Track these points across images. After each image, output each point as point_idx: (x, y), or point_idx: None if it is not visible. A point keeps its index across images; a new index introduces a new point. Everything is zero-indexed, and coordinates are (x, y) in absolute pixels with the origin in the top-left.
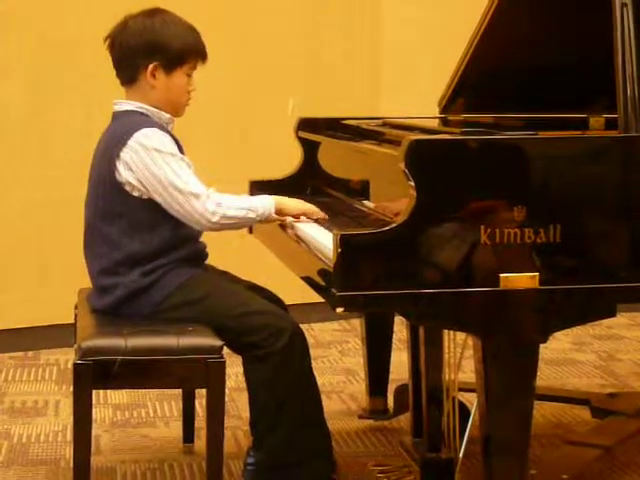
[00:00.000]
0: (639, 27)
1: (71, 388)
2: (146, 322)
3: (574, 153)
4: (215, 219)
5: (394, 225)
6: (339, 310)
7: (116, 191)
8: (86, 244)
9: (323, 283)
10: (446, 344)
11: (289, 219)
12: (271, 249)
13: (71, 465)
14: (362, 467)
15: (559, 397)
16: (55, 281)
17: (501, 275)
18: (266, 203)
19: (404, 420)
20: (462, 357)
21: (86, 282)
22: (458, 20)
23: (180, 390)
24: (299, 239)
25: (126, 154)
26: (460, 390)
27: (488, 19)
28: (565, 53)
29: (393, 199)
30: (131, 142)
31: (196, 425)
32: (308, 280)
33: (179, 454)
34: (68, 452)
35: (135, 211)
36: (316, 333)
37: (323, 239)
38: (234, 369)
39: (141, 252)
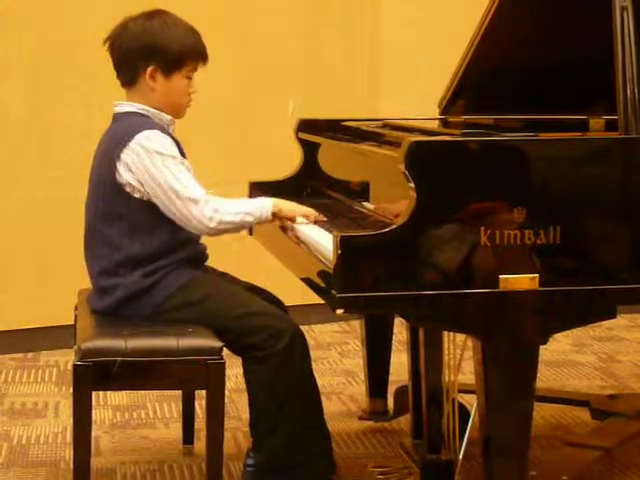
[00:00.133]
0: (639, 30)
1: (71, 389)
2: (146, 323)
3: (574, 155)
4: (212, 225)
5: (394, 227)
6: (339, 312)
7: (117, 192)
8: (86, 245)
9: (323, 284)
10: (446, 345)
11: (288, 222)
12: (271, 251)
13: (71, 466)
14: (362, 468)
15: (559, 398)
16: (55, 282)
17: (501, 276)
18: (264, 205)
19: (404, 421)
20: (462, 358)
21: (86, 283)
22: (458, 20)
23: (180, 391)
24: (299, 240)
25: (127, 155)
26: (460, 392)
27: (488, 20)
28: (565, 54)
29: (393, 200)
30: (132, 144)
31: (196, 426)
32: (308, 281)
33: (179, 455)
34: (68, 453)
35: (135, 212)
36: (316, 334)
37: (323, 240)
38: (234, 370)
39: (141, 253)
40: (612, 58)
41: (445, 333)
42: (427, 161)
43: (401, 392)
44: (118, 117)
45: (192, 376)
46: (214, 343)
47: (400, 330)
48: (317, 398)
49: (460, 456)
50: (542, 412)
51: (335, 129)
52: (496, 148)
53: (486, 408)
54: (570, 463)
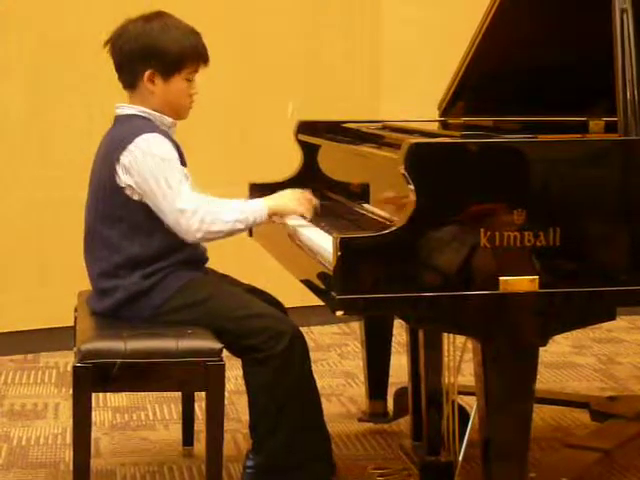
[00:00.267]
0: (639, 32)
1: (71, 391)
2: (146, 325)
3: (574, 156)
4: (199, 235)
5: (394, 228)
6: (339, 313)
7: (116, 195)
8: (86, 247)
9: (323, 286)
10: (446, 347)
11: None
12: (271, 252)
13: (71, 468)
14: (362, 470)
15: (559, 400)
16: (55, 283)
17: (501, 278)
18: (258, 210)
19: (404, 423)
20: (462, 360)
21: (86, 284)
22: (458, 20)
23: (180, 393)
24: (299, 242)
25: (125, 158)
26: (460, 393)
27: (488, 22)
28: (565, 56)
29: (394, 200)
30: (131, 146)
31: (195, 428)
32: (308, 283)
33: (178, 457)
34: (68, 455)
35: (135, 214)
36: (316, 336)
37: (323, 242)
38: (234, 372)
39: (141, 255)
40: (612, 60)
41: (445, 335)
42: (427, 163)
43: (401, 394)
44: (119, 119)
45: (192, 378)
46: (214, 345)
47: (400, 332)
48: (317, 400)
49: (460, 458)
50: (542, 414)
51: (335, 131)
52: (496, 150)
53: (486, 410)
54: (570, 465)
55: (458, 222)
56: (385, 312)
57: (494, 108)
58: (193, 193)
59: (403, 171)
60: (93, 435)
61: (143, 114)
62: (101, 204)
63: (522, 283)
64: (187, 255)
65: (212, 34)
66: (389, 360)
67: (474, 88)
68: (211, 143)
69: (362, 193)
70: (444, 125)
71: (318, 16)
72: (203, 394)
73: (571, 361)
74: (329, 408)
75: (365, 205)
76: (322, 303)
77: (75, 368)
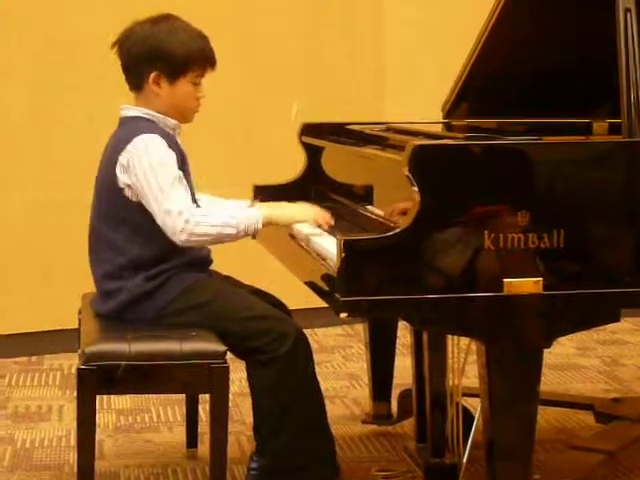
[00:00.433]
0: None
1: (75, 393)
2: (150, 327)
3: (578, 158)
4: (183, 237)
5: (398, 230)
6: (343, 315)
7: (118, 196)
8: (90, 249)
9: (327, 288)
10: (450, 349)
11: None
12: (274, 254)
13: (75, 470)
14: (366, 472)
15: (563, 402)
16: (59, 285)
17: (505, 280)
18: (251, 218)
19: (408, 425)
20: (466, 362)
21: (90, 286)
22: (462, 21)
23: (184, 395)
24: (304, 244)
25: (124, 158)
26: (464, 395)
27: (491, 24)
28: (569, 57)
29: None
30: (129, 146)
31: (199, 430)
32: (312, 285)
33: (182, 459)
34: (72, 457)
35: (135, 216)
36: (319, 338)
37: (327, 244)
38: (238, 374)
39: (145, 257)
40: (616, 61)
41: (449, 337)
42: (431, 165)
43: (405, 396)
44: (123, 121)
45: (196, 380)
46: (218, 347)
47: (404, 334)
48: (321, 402)
49: (464, 460)
50: (546, 416)
51: (339, 133)
52: (499, 152)
53: (490, 412)
54: (574, 467)
55: (462, 224)
56: (389, 314)
57: (498, 110)
58: (186, 196)
59: (407, 173)
60: (97, 437)
61: (147, 116)
62: (104, 205)
63: (526, 285)
64: (191, 257)
65: (214, 36)
66: (393, 362)
67: (478, 90)
68: (215, 145)
69: (366, 195)
70: (448, 127)
71: (321, 17)
72: (207, 396)
73: (575, 363)
74: (333, 410)
75: (369, 207)
76: (326, 305)
77: (79, 370)
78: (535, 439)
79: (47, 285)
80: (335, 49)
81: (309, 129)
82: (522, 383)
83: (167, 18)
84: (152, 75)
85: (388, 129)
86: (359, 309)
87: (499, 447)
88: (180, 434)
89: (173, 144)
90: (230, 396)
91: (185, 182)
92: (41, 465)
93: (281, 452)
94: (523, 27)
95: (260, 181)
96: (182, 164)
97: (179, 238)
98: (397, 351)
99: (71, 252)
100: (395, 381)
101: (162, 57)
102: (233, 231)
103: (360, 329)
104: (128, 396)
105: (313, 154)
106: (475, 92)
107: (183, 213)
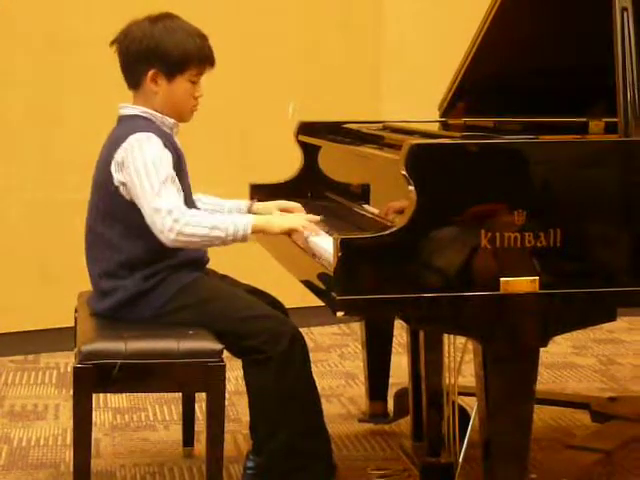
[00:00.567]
0: (639, 31)
1: (71, 392)
2: (146, 326)
3: (574, 157)
4: (172, 236)
5: (394, 229)
6: (339, 314)
7: (114, 195)
8: (87, 247)
9: (323, 287)
10: (446, 348)
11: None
12: (271, 252)
13: (71, 469)
14: (362, 471)
15: (559, 401)
16: (55, 284)
17: (501, 279)
18: (241, 222)
19: (404, 424)
20: (462, 361)
21: (86, 285)
22: (460, 19)
23: (180, 394)
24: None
25: (119, 155)
26: (460, 394)
27: (488, 23)
28: (565, 56)
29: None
30: (125, 144)
31: (196, 429)
32: (308, 284)
33: (179, 458)
34: (68, 456)
35: (131, 214)
36: (316, 337)
37: (323, 243)
38: (234, 372)
39: (141, 256)
40: (612, 60)
41: (445, 336)
42: (427, 164)
43: (401, 394)
44: (121, 120)
45: (192, 378)
46: (214, 346)
47: (400, 332)
48: (317, 400)
49: (460, 459)
50: (542, 414)
51: (335, 131)
52: (496, 151)
53: (486, 411)
54: (570, 466)
55: (459, 223)
56: (386, 313)
57: (494, 109)
58: (177, 197)
59: (404, 172)
60: (93, 436)
61: (145, 114)
62: (101, 204)
63: (523, 284)
64: (188, 256)
65: (212, 35)
66: (389, 361)
67: (474, 89)
68: (212, 143)
69: (362, 194)
70: (445, 126)
71: (318, 15)
72: (203, 395)
73: (571, 362)
74: (329, 409)
75: (365, 206)
76: (322, 304)
77: (75, 369)
78: (531, 438)
79: (44, 284)
80: (332, 48)
81: (306, 128)
82: (518, 382)
83: (166, 17)
84: (150, 73)
85: (385, 128)
86: (355, 308)
87: (495, 446)
88: (176, 433)
89: (170, 143)
90: (226, 395)
91: (178, 183)
92: (37, 464)
93: (277, 451)
94: (520, 26)
95: (257, 180)
96: (179, 164)
97: (167, 237)
98: (393, 350)
99: (68, 251)
100: (391, 380)
101: (160, 55)
102: (222, 234)
103: (356, 328)
104: (124, 395)
105: (310, 153)
106: (472, 91)
107: (172, 212)
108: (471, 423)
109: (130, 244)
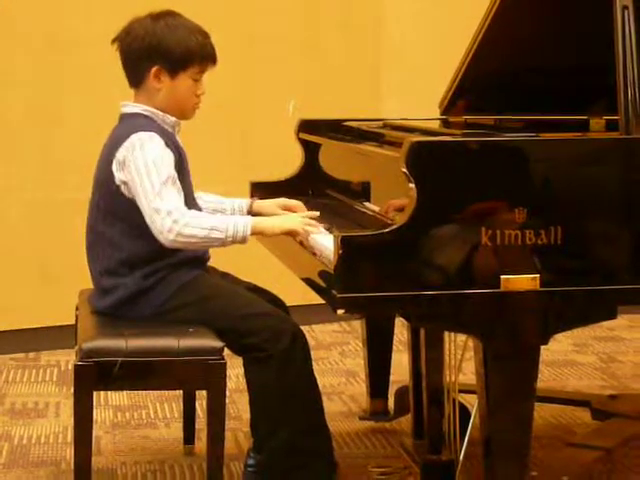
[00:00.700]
0: None
1: (72, 389)
2: (147, 323)
3: (575, 155)
4: (171, 237)
5: (395, 227)
6: (340, 312)
7: (115, 193)
8: (88, 245)
9: (324, 285)
10: (447, 346)
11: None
12: (272, 250)
13: (72, 466)
14: (363, 469)
15: (559, 399)
16: (56, 282)
17: (502, 277)
18: (239, 224)
19: (405, 422)
20: (463, 359)
21: (87, 283)
22: (460, 18)
23: (181, 391)
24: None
25: (120, 154)
26: (461, 392)
27: (489, 20)
28: (566, 53)
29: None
30: (126, 143)
31: (197, 426)
32: (309, 281)
33: (180, 455)
34: (69, 453)
35: (131, 213)
36: (317, 334)
37: (324, 240)
38: (235, 370)
39: (142, 253)
40: (613, 58)
41: (446, 333)
42: (428, 161)
43: (402, 392)
44: (123, 118)
45: (193, 376)
46: (215, 343)
47: (401, 330)
48: (318, 398)
49: (461, 456)
50: (542, 412)
51: (336, 129)
52: (497, 148)
53: (487, 408)
54: (571, 463)
55: (459, 220)
56: (386, 310)
57: (495, 106)
58: (177, 197)
59: (404, 169)
60: (94, 433)
61: (146, 113)
62: (102, 202)
63: (523, 281)
64: (189, 254)
65: (213, 33)
66: (390, 358)
67: (475, 86)
68: (212, 141)
69: (363, 191)
70: (445, 123)
71: (318, 14)
72: (204, 392)
73: (572, 359)
74: (330, 406)
75: (366, 203)
76: (323, 301)
77: (76, 367)
78: (532, 435)
79: (45, 282)
80: (332, 47)
81: (306, 126)
82: (519, 379)
83: (168, 14)
84: (153, 70)
85: (385, 125)
86: (356, 305)
87: (496, 444)
88: (177, 430)
89: (171, 142)
90: (227, 392)
91: (179, 184)
92: (38, 461)
93: (278, 449)
94: (520, 24)
95: (257, 178)
96: (180, 162)
97: (166, 238)
98: (394, 348)
99: (68, 249)
100: (392, 378)
101: (162, 52)
102: (221, 235)
103: (357, 326)
104: (125, 392)
105: (310, 151)
106: (472, 89)
107: (172, 213)
108: (472, 421)
109: (131, 242)
